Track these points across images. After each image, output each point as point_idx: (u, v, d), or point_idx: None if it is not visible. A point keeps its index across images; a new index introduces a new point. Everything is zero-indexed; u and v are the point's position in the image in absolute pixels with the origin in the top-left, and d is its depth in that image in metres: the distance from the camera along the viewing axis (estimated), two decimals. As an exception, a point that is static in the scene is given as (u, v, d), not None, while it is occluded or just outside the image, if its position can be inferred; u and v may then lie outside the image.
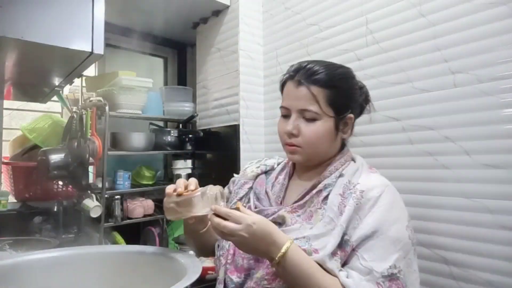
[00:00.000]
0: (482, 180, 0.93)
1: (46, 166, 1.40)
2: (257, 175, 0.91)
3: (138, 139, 1.57)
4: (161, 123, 1.89)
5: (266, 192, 0.85)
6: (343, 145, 0.84)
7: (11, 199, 1.56)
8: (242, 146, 1.55)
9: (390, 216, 0.71)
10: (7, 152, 1.65)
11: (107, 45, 1.93)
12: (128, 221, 1.55)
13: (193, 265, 0.59)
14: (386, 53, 1.16)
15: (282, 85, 0.82)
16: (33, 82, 1.12)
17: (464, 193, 0.96)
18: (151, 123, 1.83)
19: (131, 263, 0.72)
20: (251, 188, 0.89)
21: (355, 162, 0.81)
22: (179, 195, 0.72)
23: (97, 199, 1.40)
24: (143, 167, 1.73)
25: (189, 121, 1.77)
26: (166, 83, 2.21)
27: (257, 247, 0.67)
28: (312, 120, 0.76)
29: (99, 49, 0.76)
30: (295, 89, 0.77)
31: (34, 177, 1.55)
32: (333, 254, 0.69)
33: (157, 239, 1.66)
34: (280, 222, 0.76)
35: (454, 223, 0.98)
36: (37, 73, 1.00)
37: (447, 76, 1.01)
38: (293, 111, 0.77)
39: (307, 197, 0.77)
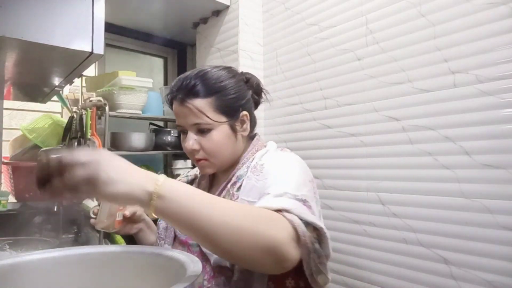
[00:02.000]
0: (482, 180, 0.93)
1: (46, 166, 1.40)
2: None
3: (138, 139, 1.57)
4: (161, 123, 1.89)
5: None
6: (253, 139, 0.87)
7: (11, 199, 1.56)
8: (242, 146, 1.55)
9: (290, 171, 0.72)
10: (7, 152, 1.65)
11: (107, 45, 1.93)
12: (128, 221, 1.55)
13: (193, 265, 0.59)
14: (386, 53, 1.16)
15: (171, 104, 0.82)
16: (33, 82, 1.12)
17: (464, 193, 0.97)
18: (151, 123, 1.83)
19: (131, 263, 0.72)
20: None
21: (264, 148, 0.84)
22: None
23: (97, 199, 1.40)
24: (143, 167, 1.72)
25: (189, 121, 1.77)
26: (166, 83, 2.21)
27: (125, 174, 0.50)
28: (207, 131, 0.77)
29: (99, 49, 0.76)
30: (180, 107, 0.77)
31: (34, 177, 1.55)
32: None
33: (157, 239, 1.66)
34: None
35: (454, 223, 0.98)
36: (37, 73, 1.00)
37: (447, 76, 1.01)
38: (187, 128, 0.79)
39: (224, 192, 0.80)
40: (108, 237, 1.55)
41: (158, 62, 2.23)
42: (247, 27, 1.62)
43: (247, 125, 0.82)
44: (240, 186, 0.76)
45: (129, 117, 1.58)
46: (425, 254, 1.04)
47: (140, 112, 1.59)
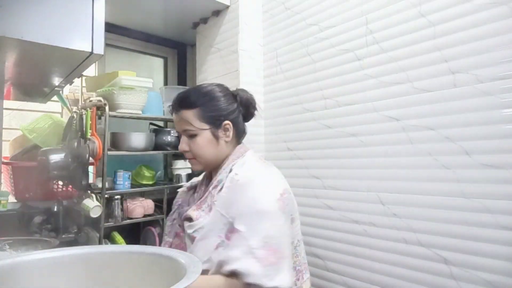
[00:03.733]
0: (482, 180, 0.93)
1: (46, 166, 1.40)
2: (184, 192, 1.11)
3: (138, 139, 1.57)
4: (161, 123, 1.89)
5: (188, 200, 1.05)
6: (238, 144, 1.00)
7: (11, 199, 1.56)
8: (242, 146, 1.55)
9: (256, 195, 0.84)
10: (7, 152, 1.65)
11: (107, 45, 1.93)
12: (128, 221, 1.55)
13: (193, 265, 0.59)
14: (386, 53, 1.16)
15: (171, 113, 1.00)
16: (33, 82, 1.12)
17: (464, 193, 0.97)
18: (151, 123, 1.83)
19: (131, 263, 0.72)
20: (180, 204, 1.09)
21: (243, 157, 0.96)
22: None
23: (97, 199, 1.40)
24: (143, 167, 1.73)
25: (189, 121, 1.77)
26: (166, 83, 2.21)
27: None
28: (193, 136, 0.93)
29: (99, 49, 0.76)
30: (175, 116, 0.96)
31: (34, 177, 1.55)
32: (219, 242, 0.84)
33: (157, 239, 1.66)
34: (189, 219, 0.93)
35: (454, 223, 0.98)
36: (37, 73, 1.00)
37: (447, 76, 1.01)
38: (181, 133, 0.96)
39: (206, 193, 0.94)
40: (108, 237, 1.55)
41: (158, 62, 2.23)
42: (247, 27, 1.62)
43: (229, 133, 0.96)
44: (221, 189, 0.90)
45: (129, 117, 1.58)
46: (425, 254, 1.04)
47: (140, 112, 1.59)
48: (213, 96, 0.95)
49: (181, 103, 0.95)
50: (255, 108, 1.02)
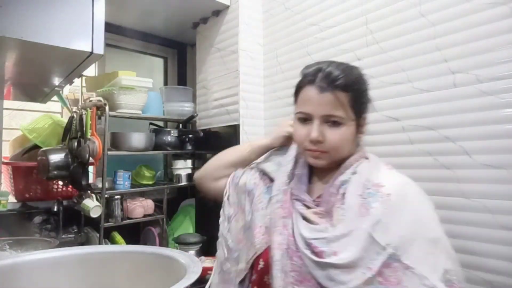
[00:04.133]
0: (482, 180, 0.93)
1: (46, 166, 1.40)
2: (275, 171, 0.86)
3: (138, 139, 1.57)
4: (161, 123, 1.89)
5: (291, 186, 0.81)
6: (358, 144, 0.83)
7: (11, 199, 1.56)
8: (242, 146, 1.55)
9: (423, 215, 0.68)
10: (7, 152, 1.65)
11: (107, 45, 1.93)
12: (128, 221, 1.55)
13: (193, 265, 0.59)
14: (386, 53, 1.16)
15: (299, 89, 0.81)
16: (33, 82, 1.12)
17: (464, 193, 0.96)
18: (151, 123, 1.83)
19: (131, 263, 0.72)
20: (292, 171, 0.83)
21: (368, 159, 0.79)
22: None
23: (97, 199, 1.40)
24: (143, 167, 1.73)
25: (189, 121, 1.77)
26: (166, 83, 2.21)
27: None
28: (337, 125, 0.74)
29: (99, 49, 0.76)
30: (318, 95, 0.74)
31: (34, 177, 1.55)
32: (374, 275, 0.62)
33: (157, 239, 1.66)
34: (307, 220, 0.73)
35: (454, 223, 0.98)
36: (37, 73, 1.00)
37: (447, 76, 1.01)
38: (315, 117, 0.74)
39: (326, 196, 0.75)
40: (108, 237, 1.55)
41: (158, 62, 2.23)
42: (247, 27, 1.62)
43: (365, 128, 0.81)
44: (344, 194, 0.72)
45: (129, 117, 1.58)
46: (425, 254, 1.04)
47: (140, 112, 1.59)
48: (364, 81, 0.79)
49: (334, 81, 0.74)
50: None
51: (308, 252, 0.67)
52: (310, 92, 0.76)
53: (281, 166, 0.85)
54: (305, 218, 0.73)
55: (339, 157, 0.77)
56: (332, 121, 0.74)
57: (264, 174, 0.88)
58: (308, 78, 0.78)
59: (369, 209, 0.67)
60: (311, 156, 0.77)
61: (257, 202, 0.82)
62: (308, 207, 0.76)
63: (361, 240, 0.64)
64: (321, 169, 0.81)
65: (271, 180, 0.85)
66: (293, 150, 0.87)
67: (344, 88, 0.74)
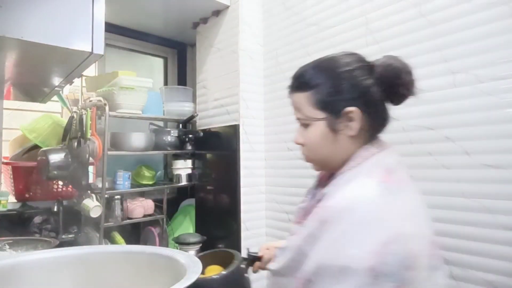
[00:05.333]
0: (482, 180, 0.93)
1: (46, 166, 1.40)
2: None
3: (138, 139, 1.57)
4: (161, 123, 1.89)
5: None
6: (371, 141, 0.72)
7: (11, 199, 1.56)
8: (242, 146, 1.55)
9: (345, 238, 0.58)
10: (7, 152, 1.65)
11: (107, 45, 1.93)
12: (128, 221, 1.55)
13: (193, 265, 0.59)
14: (386, 53, 1.15)
15: None
16: (33, 82, 1.12)
17: (464, 193, 0.96)
18: (151, 123, 1.83)
19: (131, 263, 0.72)
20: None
21: (360, 165, 0.69)
22: None
23: (97, 199, 1.40)
24: (143, 167, 1.73)
25: (189, 121, 1.77)
26: (166, 83, 2.21)
27: None
28: (307, 126, 0.72)
29: (99, 49, 0.76)
30: (290, 99, 0.75)
31: (34, 177, 1.55)
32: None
33: (157, 239, 1.66)
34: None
35: (454, 223, 0.98)
36: (37, 73, 1.00)
37: (447, 76, 1.01)
38: (297, 121, 0.75)
39: (309, 208, 0.72)
40: (108, 237, 1.55)
41: (158, 62, 2.23)
42: (247, 27, 1.62)
43: (354, 124, 0.68)
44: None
45: (129, 117, 1.58)
46: (425, 254, 1.04)
47: (140, 112, 1.59)
48: (335, 73, 0.69)
49: (294, 82, 0.73)
50: (407, 88, 0.71)
51: None
52: None
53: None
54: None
55: (319, 160, 0.73)
56: (302, 123, 0.73)
57: None
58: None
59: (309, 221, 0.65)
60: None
61: None
62: None
63: (292, 251, 0.66)
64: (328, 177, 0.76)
65: None
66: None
67: (301, 88, 0.71)
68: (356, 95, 0.68)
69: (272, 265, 0.72)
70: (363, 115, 0.68)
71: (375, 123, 0.72)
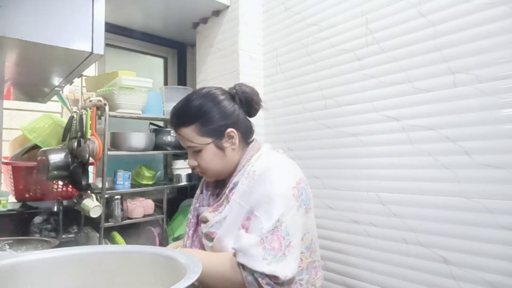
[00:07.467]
0: (482, 180, 0.93)
1: (46, 166, 1.40)
2: (199, 195, 1.09)
3: (138, 139, 1.57)
4: (161, 123, 1.89)
5: (208, 201, 1.03)
6: (248, 145, 0.97)
7: (11, 199, 1.56)
8: (242, 146, 1.54)
9: (273, 181, 0.84)
10: (7, 152, 1.65)
11: (107, 45, 1.93)
12: (128, 221, 1.55)
13: (193, 265, 0.59)
14: (386, 53, 1.16)
15: None
16: (33, 82, 1.12)
17: (464, 193, 0.97)
18: (151, 123, 1.83)
19: (131, 263, 0.72)
20: (196, 207, 1.06)
21: (256, 155, 0.94)
22: None
23: (97, 199, 1.40)
24: (143, 167, 1.73)
25: (189, 121, 1.77)
26: (166, 83, 2.21)
27: None
28: (198, 151, 0.92)
29: (99, 49, 0.76)
30: (176, 135, 0.95)
31: (34, 177, 1.55)
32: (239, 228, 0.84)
33: (157, 239, 1.66)
34: (204, 221, 0.94)
35: (454, 223, 0.98)
36: (37, 73, 1.00)
37: (447, 76, 1.01)
38: (186, 149, 0.95)
39: (223, 197, 0.92)
40: (108, 237, 1.55)
41: (158, 62, 2.23)
42: (247, 27, 1.62)
43: (235, 139, 0.92)
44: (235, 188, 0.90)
45: (129, 117, 1.58)
46: (425, 254, 1.04)
47: (140, 112, 1.59)
48: (208, 108, 0.90)
49: (177, 120, 0.92)
50: (258, 104, 0.97)
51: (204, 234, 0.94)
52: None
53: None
54: (203, 220, 0.95)
55: (216, 172, 0.95)
56: (194, 150, 0.93)
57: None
58: (169, 122, 0.96)
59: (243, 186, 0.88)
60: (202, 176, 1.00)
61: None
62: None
63: (232, 209, 0.87)
64: (221, 180, 0.99)
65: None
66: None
67: (185, 123, 0.91)
68: (230, 119, 0.92)
69: (208, 226, 0.91)
70: (237, 131, 0.93)
71: (246, 132, 0.97)
